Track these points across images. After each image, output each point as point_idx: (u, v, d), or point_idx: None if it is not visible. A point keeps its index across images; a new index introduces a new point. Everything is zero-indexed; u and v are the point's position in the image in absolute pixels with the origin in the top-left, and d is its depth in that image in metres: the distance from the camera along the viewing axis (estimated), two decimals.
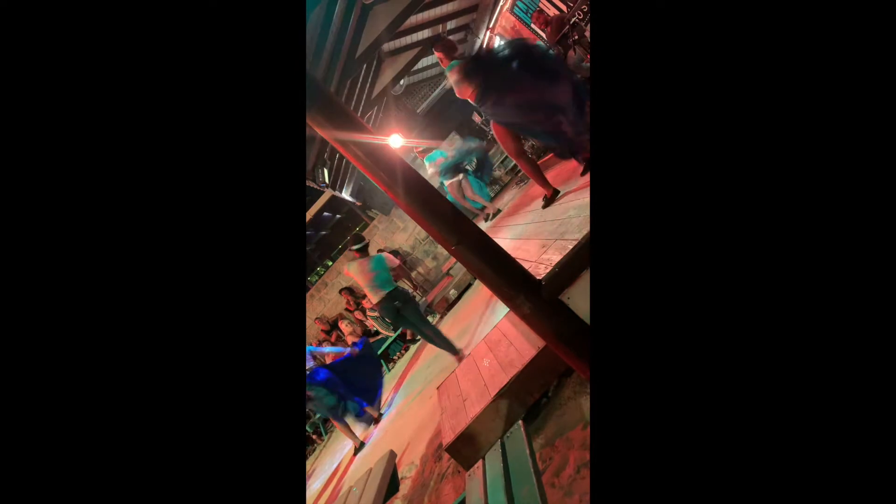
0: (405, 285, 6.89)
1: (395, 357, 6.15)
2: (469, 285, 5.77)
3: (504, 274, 1.56)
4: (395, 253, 7.36)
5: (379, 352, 6.07)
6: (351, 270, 3.32)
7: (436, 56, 2.69)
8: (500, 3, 6.52)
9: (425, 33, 5.95)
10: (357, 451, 3.98)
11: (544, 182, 2.71)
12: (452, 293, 5.91)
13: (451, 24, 6.60)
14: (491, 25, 7.03)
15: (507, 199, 5.39)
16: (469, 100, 2.47)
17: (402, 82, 7.17)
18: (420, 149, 4.94)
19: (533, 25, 5.41)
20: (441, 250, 7.37)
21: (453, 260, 6.09)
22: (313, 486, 4.41)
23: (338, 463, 4.27)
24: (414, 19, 5.24)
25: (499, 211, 4.55)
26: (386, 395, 4.90)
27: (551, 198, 2.68)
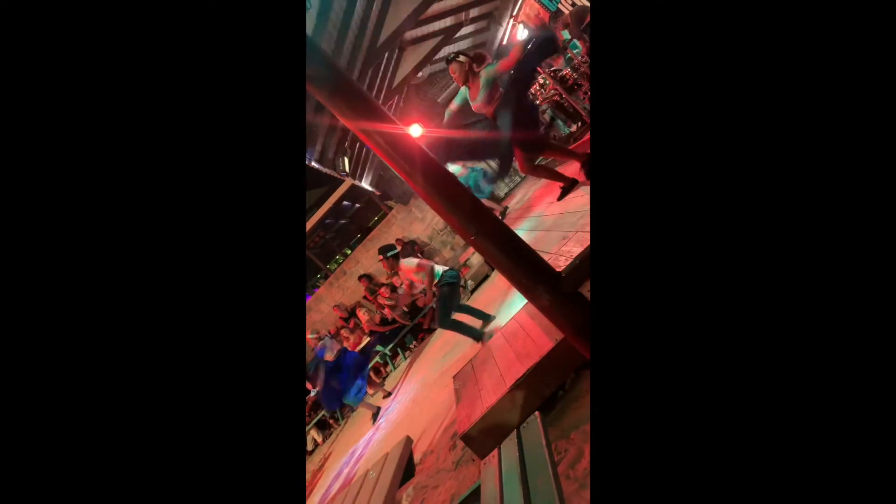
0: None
1: (412, 346, 6.21)
2: (486, 276, 5.77)
3: (523, 265, 1.55)
4: (412, 243, 7.39)
5: (395, 341, 6.14)
6: (410, 265, 3.57)
7: (458, 62, 2.66)
8: None
9: (448, 21, 5.89)
10: (374, 417, 4.28)
11: (561, 177, 2.76)
12: (470, 283, 5.92)
13: (473, 13, 6.52)
14: (514, 13, 6.92)
15: (524, 193, 5.35)
16: (487, 113, 2.51)
17: (420, 74, 7.13)
18: None
19: (552, 24, 5.32)
20: (459, 240, 7.36)
21: (471, 250, 6.09)
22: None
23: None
24: (436, 7, 5.19)
25: (506, 209, 4.52)
26: (403, 381, 4.96)
27: (569, 187, 2.71)
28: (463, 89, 2.63)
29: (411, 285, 3.69)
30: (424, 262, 3.58)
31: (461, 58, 2.61)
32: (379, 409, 4.39)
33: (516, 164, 2.70)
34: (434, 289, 3.47)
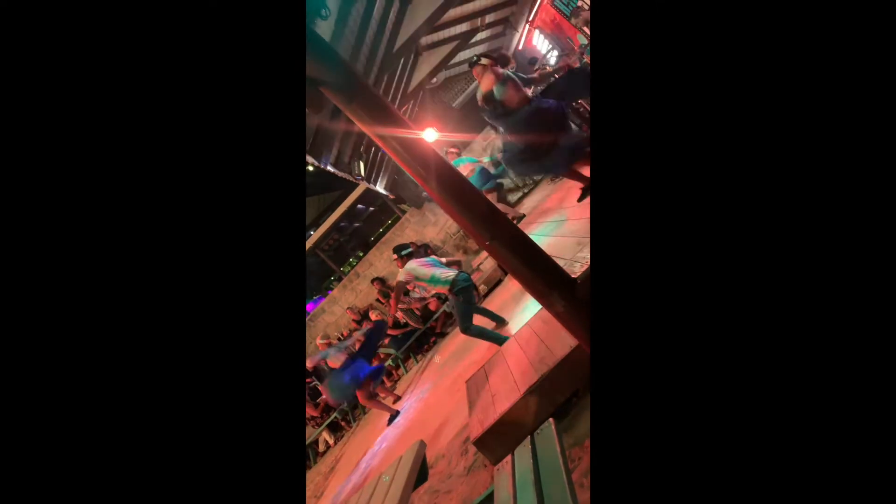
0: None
1: (424, 349, 6.21)
2: (499, 281, 5.75)
3: (538, 271, 1.55)
4: (425, 246, 7.41)
5: (407, 344, 6.14)
6: (409, 268, 3.45)
7: (481, 65, 2.67)
8: None
9: (463, 27, 5.91)
10: (391, 419, 4.23)
11: (580, 177, 2.75)
12: (482, 288, 5.90)
13: (489, 18, 6.54)
14: (530, 19, 6.92)
15: (540, 196, 5.33)
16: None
17: (434, 80, 7.17)
18: (453, 150, 4.92)
19: (573, 20, 5.30)
20: (471, 244, 7.36)
21: (483, 255, 6.07)
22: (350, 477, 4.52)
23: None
24: (452, 13, 5.22)
25: (522, 216, 4.49)
26: (414, 386, 4.96)
27: (589, 186, 2.72)
28: (496, 87, 2.66)
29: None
30: (409, 271, 3.46)
31: (483, 60, 2.64)
32: (398, 412, 4.38)
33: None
34: (450, 295, 3.42)
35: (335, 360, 4.56)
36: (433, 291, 3.57)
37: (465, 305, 3.31)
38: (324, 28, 3.07)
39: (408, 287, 6.25)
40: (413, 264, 3.48)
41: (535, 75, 2.68)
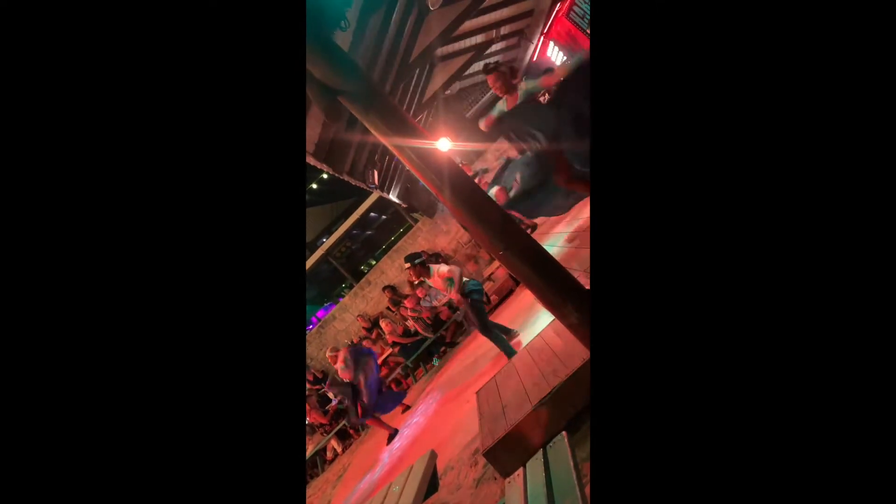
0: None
1: (434, 358, 6.18)
2: (511, 290, 5.72)
3: (552, 282, 1.54)
4: (436, 256, 7.42)
5: (417, 353, 6.13)
6: (441, 271, 3.57)
7: (501, 72, 2.67)
8: (556, 9, 6.44)
9: (478, 38, 5.97)
10: (391, 438, 4.20)
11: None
12: (494, 298, 5.87)
13: (504, 30, 6.59)
14: (545, 31, 6.97)
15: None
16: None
17: (449, 90, 7.23)
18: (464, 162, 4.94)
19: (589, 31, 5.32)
20: (483, 254, 7.35)
21: (496, 264, 6.06)
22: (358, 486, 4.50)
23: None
24: (467, 24, 5.27)
25: (535, 226, 4.46)
26: (424, 395, 4.94)
27: None
28: (501, 102, 2.66)
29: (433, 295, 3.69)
30: (453, 267, 3.55)
31: (502, 67, 2.65)
32: (396, 430, 4.34)
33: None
34: (459, 297, 3.44)
35: (347, 372, 4.57)
36: (446, 298, 3.62)
37: (479, 305, 3.37)
38: (342, 39, 3.12)
39: (419, 294, 6.26)
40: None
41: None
